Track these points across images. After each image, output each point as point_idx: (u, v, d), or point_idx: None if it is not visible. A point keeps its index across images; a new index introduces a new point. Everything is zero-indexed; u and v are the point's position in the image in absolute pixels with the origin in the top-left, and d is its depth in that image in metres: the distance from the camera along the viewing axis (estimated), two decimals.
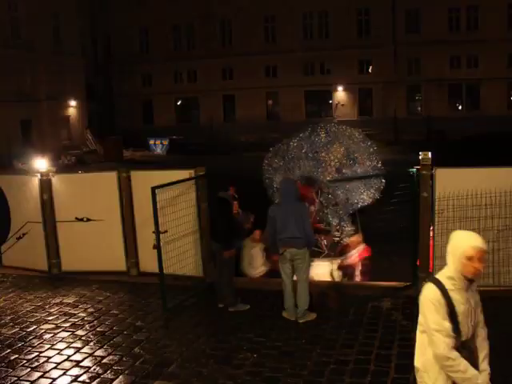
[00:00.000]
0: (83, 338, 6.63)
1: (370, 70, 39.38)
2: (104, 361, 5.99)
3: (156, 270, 8.76)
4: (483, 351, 3.69)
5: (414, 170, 7.55)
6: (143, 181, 8.86)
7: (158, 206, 7.38)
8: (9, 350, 6.36)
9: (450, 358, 3.33)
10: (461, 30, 37.26)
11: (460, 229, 7.26)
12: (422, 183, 7.46)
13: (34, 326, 7.09)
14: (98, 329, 6.93)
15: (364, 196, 11.11)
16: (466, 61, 37.40)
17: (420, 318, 3.49)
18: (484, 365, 3.66)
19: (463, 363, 3.38)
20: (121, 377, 5.61)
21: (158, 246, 7.37)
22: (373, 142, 11.60)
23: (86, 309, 7.66)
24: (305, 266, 6.92)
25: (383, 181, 11.39)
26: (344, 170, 11.14)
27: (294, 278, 7.05)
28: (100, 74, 43.95)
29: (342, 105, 39.59)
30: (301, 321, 6.81)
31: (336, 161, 11.22)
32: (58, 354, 6.24)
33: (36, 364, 6.00)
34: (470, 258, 3.26)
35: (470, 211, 7.31)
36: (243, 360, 5.82)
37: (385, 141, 34.01)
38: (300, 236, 6.78)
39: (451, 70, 37.55)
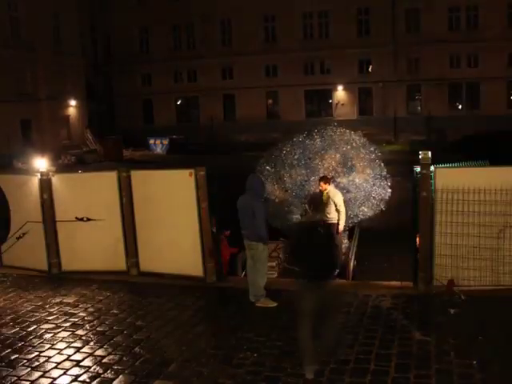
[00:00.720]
0: (83, 338, 6.63)
1: (369, 70, 39.36)
2: (104, 360, 5.99)
3: (156, 269, 8.82)
4: None
5: (418, 169, 7.53)
6: (143, 180, 8.88)
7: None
8: (9, 350, 6.36)
9: None
10: (461, 29, 37.23)
11: (459, 228, 7.30)
12: (422, 183, 7.46)
13: (34, 326, 7.09)
14: (98, 328, 6.93)
15: (364, 208, 10.35)
16: (465, 60, 37.38)
17: None
18: None
19: None
20: (121, 376, 5.61)
21: None
22: (376, 147, 10.61)
23: (86, 308, 7.66)
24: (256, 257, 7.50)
25: (389, 190, 10.35)
26: (339, 180, 10.26)
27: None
28: (100, 74, 43.94)
29: (342, 104, 39.59)
30: (257, 304, 7.40)
31: (331, 169, 10.26)
32: (58, 353, 6.24)
33: (36, 364, 6.00)
34: None
35: (472, 208, 7.31)
36: (243, 359, 5.82)
37: (385, 140, 34.10)
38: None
39: (451, 69, 37.52)
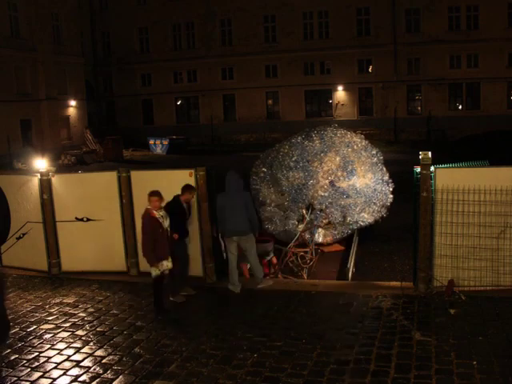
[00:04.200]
0: (83, 338, 6.64)
1: (370, 70, 39.34)
2: (104, 361, 6.00)
3: None
4: None
5: (418, 169, 7.52)
6: (143, 181, 8.88)
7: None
8: (9, 350, 6.36)
9: None
10: (461, 29, 37.19)
11: (460, 229, 7.29)
12: (422, 183, 7.45)
13: (34, 326, 7.10)
14: (98, 329, 6.93)
15: (365, 214, 9.81)
16: (466, 60, 37.35)
17: None
18: None
19: None
20: (121, 377, 5.61)
21: None
22: (378, 150, 10.07)
23: (86, 309, 7.67)
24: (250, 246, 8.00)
25: (390, 196, 9.86)
26: (338, 184, 9.66)
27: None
28: (100, 74, 43.95)
29: (342, 104, 39.55)
30: (259, 286, 8.05)
31: (330, 172, 9.71)
32: (58, 353, 6.25)
33: (36, 364, 6.00)
34: None
35: (472, 208, 7.30)
36: (243, 360, 5.82)
37: (385, 140, 34.14)
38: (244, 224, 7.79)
39: (451, 69, 37.46)
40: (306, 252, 9.53)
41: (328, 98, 40.32)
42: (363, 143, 10.08)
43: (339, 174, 9.77)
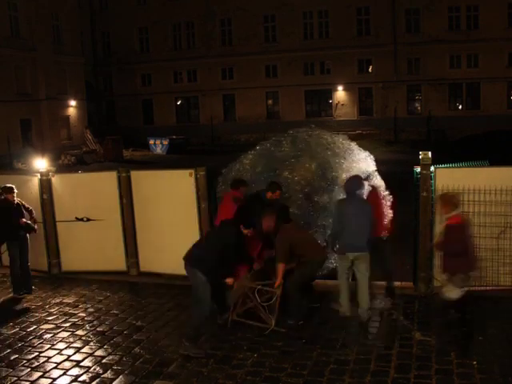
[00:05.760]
0: (83, 338, 6.64)
1: (369, 70, 39.33)
2: (104, 361, 6.00)
3: (156, 270, 8.82)
4: None
5: (418, 169, 7.50)
6: (143, 181, 8.88)
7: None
8: (9, 350, 6.37)
9: None
10: (461, 29, 37.19)
11: None
12: (422, 183, 7.45)
13: (34, 326, 7.10)
14: (98, 329, 6.93)
15: None
16: (466, 60, 37.34)
17: None
18: None
19: None
20: (121, 377, 5.61)
21: None
22: (369, 154, 7.89)
23: (86, 309, 7.67)
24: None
25: (390, 212, 7.66)
26: (317, 198, 7.54)
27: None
28: (100, 73, 43.95)
29: (342, 104, 39.54)
30: (364, 319, 6.68)
31: (303, 183, 7.56)
32: (58, 353, 6.25)
33: (36, 364, 6.01)
34: None
35: (472, 208, 7.30)
36: (243, 360, 5.82)
37: (385, 140, 34.15)
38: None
39: (451, 69, 37.46)
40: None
41: (328, 98, 40.31)
42: (347, 144, 7.90)
43: (316, 184, 7.59)
